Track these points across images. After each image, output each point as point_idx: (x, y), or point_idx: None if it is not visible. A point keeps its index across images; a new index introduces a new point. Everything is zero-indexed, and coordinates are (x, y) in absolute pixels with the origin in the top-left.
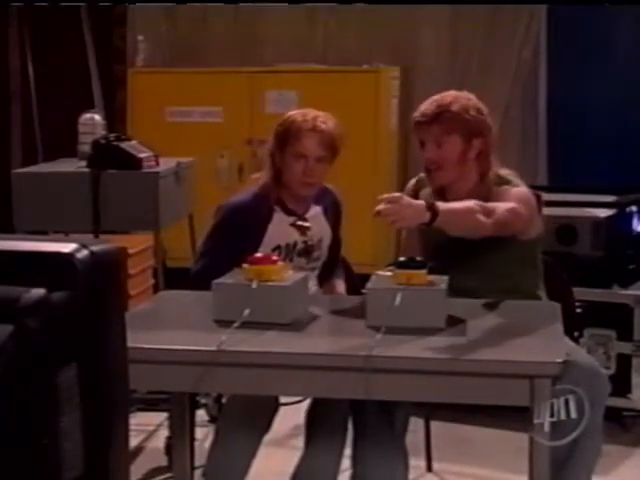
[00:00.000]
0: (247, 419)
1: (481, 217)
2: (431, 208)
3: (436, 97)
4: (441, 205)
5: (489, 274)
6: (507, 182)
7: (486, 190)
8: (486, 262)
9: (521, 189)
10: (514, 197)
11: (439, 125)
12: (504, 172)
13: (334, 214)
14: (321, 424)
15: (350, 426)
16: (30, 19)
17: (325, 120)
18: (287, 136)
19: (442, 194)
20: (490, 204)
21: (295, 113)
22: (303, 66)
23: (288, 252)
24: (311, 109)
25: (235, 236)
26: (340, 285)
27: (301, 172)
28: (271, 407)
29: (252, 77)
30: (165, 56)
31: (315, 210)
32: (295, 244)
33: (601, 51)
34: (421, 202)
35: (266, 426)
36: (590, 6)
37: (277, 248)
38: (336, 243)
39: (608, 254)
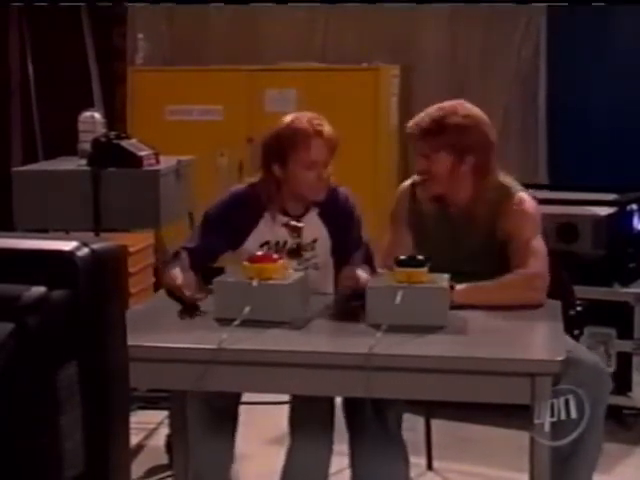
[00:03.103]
0: (212, 415)
1: (524, 293)
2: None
3: (432, 109)
4: (460, 289)
5: (489, 277)
6: (510, 191)
7: (488, 199)
8: (485, 265)
9: (531, 206)
10: (531, 225)
11: (427, 141)
12: (504, 179)
13: (335, 215)
14: (307, 421)
15: (347, 427)
16: (30, 19)
17: (320, 122)
18: (291, 146)
19: (440, 200)
20: (525, 273)
21: (290, 122)
22: (303, 64)
23: (277, 250)
24: (298, 113)
25: (223, 224)
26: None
27: (314, 180)
28: (232, 395)
29: (252, 75)
30: (165, 54)
31: (312, 211)
32: (285, 242)
33: (601, 51)
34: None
35: (233, 414)
36: (590, 6)
37: (266, 244)
38: (341, 245)
39: (609, 252)
